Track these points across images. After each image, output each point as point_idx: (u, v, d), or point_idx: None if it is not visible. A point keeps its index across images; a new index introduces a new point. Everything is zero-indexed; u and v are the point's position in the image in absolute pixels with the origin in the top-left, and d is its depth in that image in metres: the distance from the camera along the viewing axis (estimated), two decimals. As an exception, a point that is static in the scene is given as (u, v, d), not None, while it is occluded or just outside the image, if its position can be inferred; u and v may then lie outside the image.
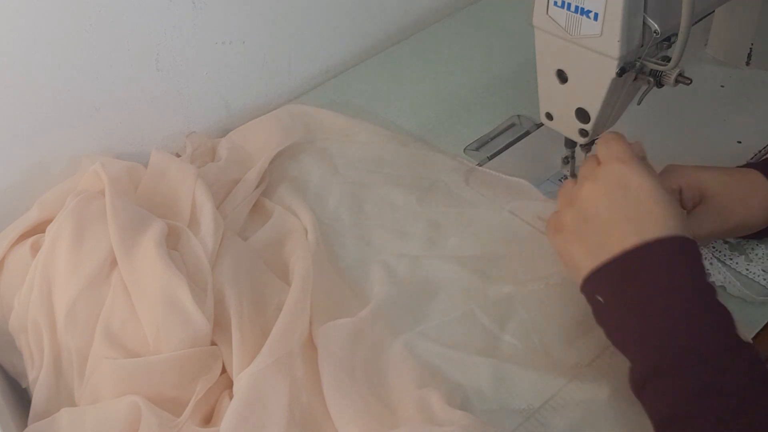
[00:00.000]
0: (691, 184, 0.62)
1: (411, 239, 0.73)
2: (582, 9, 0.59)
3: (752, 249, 0.68)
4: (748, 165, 0.65)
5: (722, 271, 0.65)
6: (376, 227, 0.74)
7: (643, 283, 0.51)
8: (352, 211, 0.76)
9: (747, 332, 0.62)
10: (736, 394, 0.46)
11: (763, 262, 0.67)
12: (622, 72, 0.61)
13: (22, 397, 0.66)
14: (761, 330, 0.63)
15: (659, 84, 0.63)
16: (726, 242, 0.68)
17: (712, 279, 0.65)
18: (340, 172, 0.80)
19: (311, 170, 0.81)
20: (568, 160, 0.75)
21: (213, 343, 0.63)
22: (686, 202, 0.62)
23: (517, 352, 0.62)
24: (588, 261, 0.53)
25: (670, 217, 0.52)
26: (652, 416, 0.49)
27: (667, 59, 0.62)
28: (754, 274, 0.66)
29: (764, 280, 0.66)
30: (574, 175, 0.76)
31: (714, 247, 0.68)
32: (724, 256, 0.67)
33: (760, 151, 0.78)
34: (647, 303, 0.50)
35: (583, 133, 0.68)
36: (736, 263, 0.67)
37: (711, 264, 0.66)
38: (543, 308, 0.64)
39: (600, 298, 0.53)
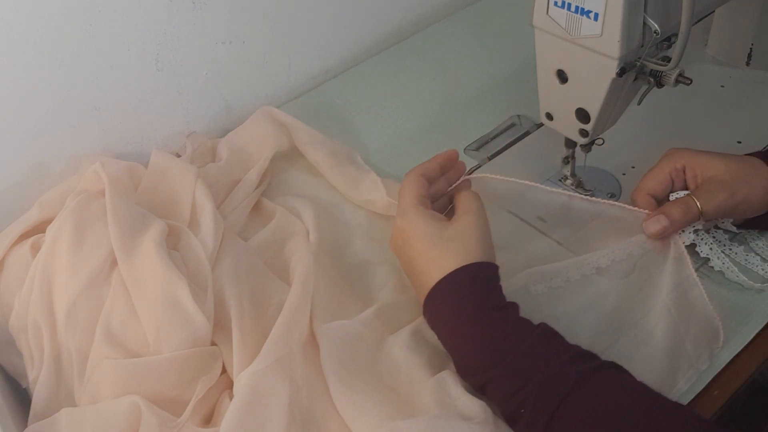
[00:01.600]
0: (693, 164, 0.64)
1: None
2: (582, 9, 0.59)
3: (753, 240, 0.68)
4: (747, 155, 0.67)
5: (721, 257, 0.66)
6: (387, 228, 0.74)
7: (442, 319, 0.58)
8: (366, 211, 0.76)
9: (750, 329, 0.62)
10: (542, 379, 0.52)
11: (763, 252, 0.67)
12: (622, 72, 0.61)
13: (22, 397, 0.66)
14: (761, 330, 0.63)
15: (659, 84, 0.63)
16: (727, 232, 0.68)
17: (711, 264, 0.66)
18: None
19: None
20: (568, 160, 0.75)
21: (213, 343, 0.63)
22: (689, 181, 0.65)
23: None
24: (419, 299, 0.61)
25: (446, 257, 0.58)
26: (502, 413, 0.55)
27: (667, 59, 0.62)
28: (752, 264, 0.67)
29: (762, 270, 0.66)
30: (574, 175, 0.76)
31: (714, 237, 0.68)
32: (724, 245, 0.68)
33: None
34: (455, 333, 0.57)
35: (583, 133, 0.68)
36: (735, 253, 0.67)
37: (711, 249, 0.66)
38: (545, 310, 0.64)
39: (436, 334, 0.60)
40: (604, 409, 0.50)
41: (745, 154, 0.66)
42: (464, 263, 0.57)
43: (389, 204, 0.74)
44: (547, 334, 0.55)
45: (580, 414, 0.50)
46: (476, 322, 0.56)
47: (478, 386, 0.56)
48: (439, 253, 0.58)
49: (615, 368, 0.53)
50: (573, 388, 0.51)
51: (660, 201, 0.66)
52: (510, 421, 0.55)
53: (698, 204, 0.62)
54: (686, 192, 0.65)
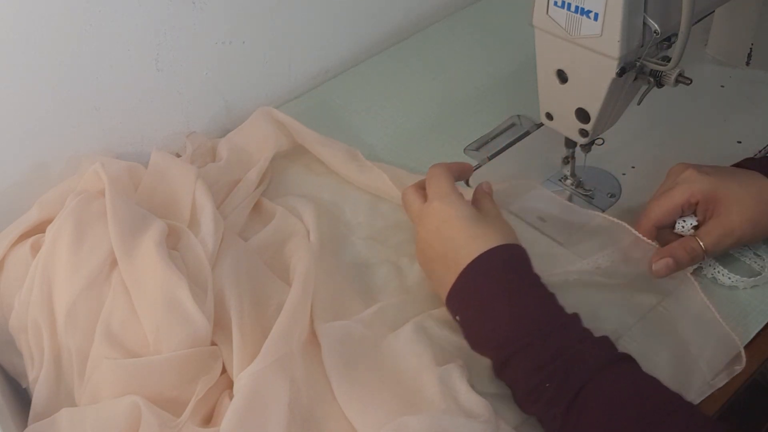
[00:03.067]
0: (709, 202, 0.63)
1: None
2: (582, 9, 0.59)
3: None
4: (753, 160, 0.67)
5: (712, 264, 0.66)
6: (389, 227, 0.75)
7: (479, 291, 0.59)
8: (367, 210, 0.77)
9: (750, 328, 0.62)
10: (562, 361, 0.54)
11: (755, 245, 0.67)
12: (622, 72, 0.61)
13: (22, 397, 0.66)
14: (761, 330, 0.63)
15: (659, 84, 0.63)
16: None
17: (703, 272, 0.66)
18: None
19: (326, 169, 0.81)
20: (568, 160, 0.75)
21: (213, 343, 0.63)
22: (699, 213, 0.65)
23: None
24: (440, 289, 0.62)
25: (480, 236, 0.60)
26: (516, 396, 0.57)
27: (667, 59, 0.62)
28: (745, 256, 0.67)
29: (756, 263, 0.66)
30: (574, 175, 0.76)
31: None
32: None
33: (760, 151, 0.78)
34: (488, 306, 0.59)
35: (583, 133, 0.68)
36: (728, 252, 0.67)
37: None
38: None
39: (457, 318, 0.61)
40: (624, 397, 0.51)
41: (750, 159, 0.66)
42: (507, 242, 0.61)
43: (393, 190, 0.75)
44: (579, 318, 0.58)
45: (603, 397, 0.52)
46: (518, 293, 0.58)
47: (501, 359, 0.57)
48: (483, 230, 0.61)
49: (634, 361, 0.55)
50: (600, 369, 0.52)
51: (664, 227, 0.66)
52: (528, 398, 0.55)
53: (704, 248, 0.63)
54: (692, 223, 0.64)
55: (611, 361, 0.54)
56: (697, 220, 0.64)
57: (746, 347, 0.61)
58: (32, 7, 0.68)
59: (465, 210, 0.62)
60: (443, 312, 0.64)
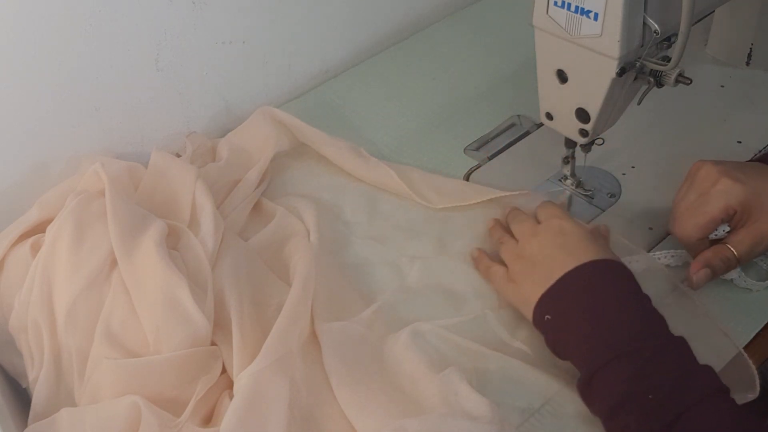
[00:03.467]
0: (745, 206, 0.62)
1: (423, 240, 0.73)
2: (582, 9, 0.59)
3: None
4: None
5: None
6: (389, 227, 0.75)
7: (581, 295, 0.59)
8: (367, 210, 0.76)
9: (750, 328, 0.62)
10: (669, 378, 0.53)
11: None
12: (622, 72, 0.61)
13: (22, 397, 0.66)
14: (761, 330, 0.63)
15: (659, 84, 0.63)
16: None
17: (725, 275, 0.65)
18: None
19: (325, 169, 0.81)
20: (568, 160, 0.75)
21: (213, 343, 0.63)
22: (734, 221, 0.63)
23: (527, 358, 0.62)
24: (536, 292, 0.61)
25: (600, 249, 0.62)
26: (601, 409, 0.55)
27: (667, 59, 0.62)
28: (759, 258, 0.66)
29: (767, 265, 0.66)
30: (574, 175, 0.76)
31: None
32: None
33: (760, 151, 0.78)
34: (587, 310, 0.58)
35: (583, 133, 0.68)
36: None
37: None
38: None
39: (548, 317, 0.60)
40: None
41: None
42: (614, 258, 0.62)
43: (401, 185, 0.76)
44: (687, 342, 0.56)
45: (704, 428, 0.51)
46: (631, 299, 0.58)
47: (600, 361, 0.55)
48: (596, 246, 0.62)
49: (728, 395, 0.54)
50: (706, 398, 0.52)
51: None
52: (623, 404, 0.53)
53: (737, 256, 0.63)
54: (725, 229, 0.64)
55: (716, 392, 0.52)
56: (729, 225, 0.64)
57: (746, 347, 0.61)
58: (32, 8, 0.68)
59: (582, 227, 0.64)
60: (443, 315, 0.64)
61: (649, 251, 0.69)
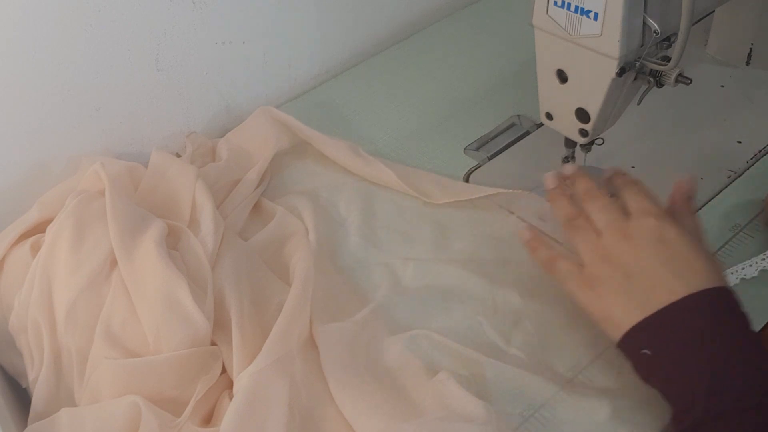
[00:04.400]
0: None
1: (417, 242, 0.73)
2: (582, 9, 0.59)
3: None
4: None
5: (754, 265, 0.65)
6: (383, 228, 0.75)
7: (695, 336, 0.51)
8: (362, 211, 0.76)
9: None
10: None
11: None
12: (622, 72, 0.61)
13: (22, 397, 0.66)
14: (761, 330, 0.62)
15: (659, 84, 0.63)
16: None
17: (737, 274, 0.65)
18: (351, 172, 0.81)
19: (323, 169, 0.81)
20: (568, 160, 0.75)
21: (213, 343, 0.63)
22: None
23: (523, 364, 0.61)
24: (632, 316, 0.53)
25: (711, 270, 0.53)
26: None
27: (667, 59, 0.62)
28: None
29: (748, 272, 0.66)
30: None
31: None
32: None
33: (760, 151, 0.78)
34: (698, 350, 0.51)
35: (583, 133, 0.68)
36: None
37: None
38: (549, 321, 0.64)
39: (647, 351, 0.52)
40: None
41: None
42: (722, 284, 0.54)
43: (400, 185, 0.76)
44: None
45: None
46: (753, 342, 0.52)
47: (712, 413, 0.48)
48: (702, 264, 0.54)
49: None
50: None
51: None
52: None
53: None
54: None
55: None
56: None
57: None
58: (32, 8, 0.68)
59: (686, 234, 0.55)
60: (437, 329, 0.64)
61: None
